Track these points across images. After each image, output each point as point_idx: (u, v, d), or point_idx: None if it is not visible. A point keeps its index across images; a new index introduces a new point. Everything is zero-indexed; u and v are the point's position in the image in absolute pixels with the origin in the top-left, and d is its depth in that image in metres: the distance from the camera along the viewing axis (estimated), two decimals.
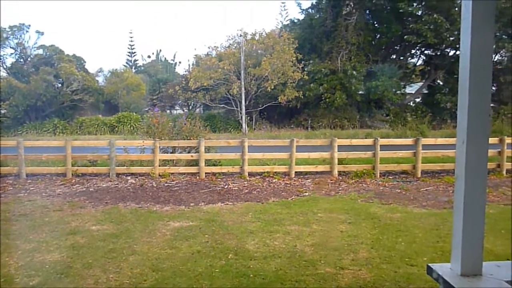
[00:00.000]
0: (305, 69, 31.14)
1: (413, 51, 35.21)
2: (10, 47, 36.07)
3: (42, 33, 37.08)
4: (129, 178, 12.73)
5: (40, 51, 36.61)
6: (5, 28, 35.31)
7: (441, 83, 34.58)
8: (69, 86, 34.48)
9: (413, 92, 36.49)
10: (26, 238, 7.11)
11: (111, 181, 12.38)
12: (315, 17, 34.75)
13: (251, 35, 32.05)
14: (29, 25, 36.30)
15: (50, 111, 34.43)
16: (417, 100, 36.19)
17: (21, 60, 36.85)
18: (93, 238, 7.12)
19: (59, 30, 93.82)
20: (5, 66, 36.47)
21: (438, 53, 32.79)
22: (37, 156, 13.67)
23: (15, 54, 36.70)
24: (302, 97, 30.54)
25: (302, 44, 31.84)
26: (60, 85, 35.14)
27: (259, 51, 31.75)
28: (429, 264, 1.88)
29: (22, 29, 35.90)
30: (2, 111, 34.14)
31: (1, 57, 36.21)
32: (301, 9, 36.75)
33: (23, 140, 13.88)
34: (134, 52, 71.40)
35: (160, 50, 66.92)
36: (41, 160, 13.81)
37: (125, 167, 13.23)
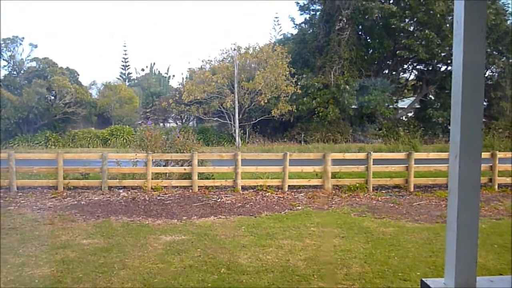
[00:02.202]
0: (298, 83, 31.29)
1: (405, 66, 35.55)
2: (3, 59, 35.96)
3: (36, 46, 37.01)
4: (121, 191, 12.64)
5: (33, 64, 36.51)
6: None
7: (432, 98, 34.86)
8: (62, 98, 34.36)
9: (405, 106, 36.76)
10: (16, 252, 7.02)
11: (103, 194, 12.29)
12: (308, 32, 35.05)
13: (244, 49, 32.24)
14: (23, 38, 36.26)
15: (42, 123, 34.24)
16: (409, 114, 36.43)
17: (14, 72, 36.71)
18: (84, 252, 7.04)
19: (53, 42, 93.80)
20: None
21: (430, 68, 33.14)
22: (29, 169, 13.56)
23: (8, 67, 36.58)
24: (295, 111, 30.63)
25: (295, 59, 32.05)
26: (52, 97, 35.01)
27: (252, 65, 31.90)
28: (423, 279, 1.87)
29: (15, 42, 35.83)
30: None
31: None
32: (294, 24, 37.07)
33: (15, 152, 13.77)
34: (128, 65, 71.48)
35: (154, 63, 67.01)
36: (32, 173, 13.69)
37: (117, 180, 13.14)
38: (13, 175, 12.75)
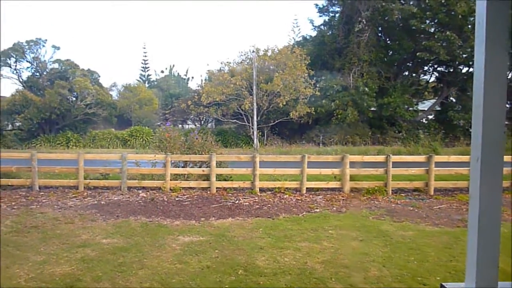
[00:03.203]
0: (317, 85, 31.17)
1: (425, 68, 35.07)
2: (27, 61, 36.72)
3: (58, 48, 37.69)
4: (140, 192, 12.77)
5: (56, 65, 37.18)
6: (22, 43, 36.01)
7: (454, 100, 34.36)
8: (83, 100, 34.91)
9: (425, 109, 36.28)
10: (37, 250, 7.15)
11: (122, 194, 12.43)
12: (327, 33, 34.91)
13: (263, 51, 32.26)
14: (46, 40, 36.97)
15: (64, 124, 34.82)
16: (430, 117, 35.95)
17: (37, 74, 37.43)
18: (103, 251, 7.13)
19: (75, 44, 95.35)
20: (21, 80, 37.07)
21: (451, 70, 32.63)
22: (50, 169, 13.80)
23: (31, 68, 37.33)
24: (313, 113, 30.52)
25: (314, 61, 31.93)
26: (74, 98, 35.59)
27: (271, 67, 31.88)
28: (443, 283, 1.85)
29: (38, 44, 36.55)
30: (17, 124, 34.64)
31: (18, 71, 36.86)
32: (313, 26, 37.12)
33: (37, 152, 14.02)
34: (148, 67, 72.21)
35: (173, 65, 67.48)
36: (54, 173, 13.94)
37: (137, 180, 13.28)
38: (35, 174, 12.99)
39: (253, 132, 30.85)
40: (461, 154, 17.15)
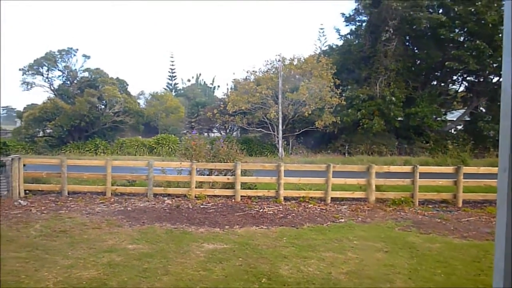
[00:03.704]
0: (343, 94, 31.03)
1: (454, 78, 34.46)
2: (58, 70, 37.75)
3: (89, 57, 38.67)
4: (165, 198, 12.91)
5: (86, 74, 38.10)
6: (54, 52, 37.05)
7: (483, 110, 33.62)
8: (111, 108, 35.61)
9: (454, 119, 35.61)
10: (65, 254, 7.30)
11: (148, 201, 12.59)
12: (354, 42, 34.74)
13: (289, 60, 32.30)
14: (77, 49, 37.99)
15: (93, 131, 35.56)
16: (459, 127, 35.25)
17: (68, 82, 38.42)
18: (129, 256, 7.23)
19: (105, 54, 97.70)
20: (52, 88, 38.10)
21: (481, 80, 31.97)
22: (79, 175, 14.10)
23: (62, 77, 38.36)
24: (339, 122, 30.35)
25: (340, 70, 31.80)
26: (103, 106, 36.35)
27: (297, 76, 31.89)
28: None
29: (70, 53, 37.56)
30: (48, 131, 35.53)
31: (49, 79, 37.91)
32: (339, 35, 36.89)
33: (66, 159, 14.35)
34: (175, 76, 73.30)
35: (200, 74, 68.43)
36: (82, 179, 14.24)
37: (162, 188, 13.44)
38: (65, 180, 13.30)
39: (278, 141, 30.84)
40: (491, 166, 16.74)
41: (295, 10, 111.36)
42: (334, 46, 38.25)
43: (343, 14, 35.06)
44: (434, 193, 13.07)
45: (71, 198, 12.80)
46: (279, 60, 31.54)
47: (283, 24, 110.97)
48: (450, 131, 34.06)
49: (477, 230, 9.63)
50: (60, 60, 37.24)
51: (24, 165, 13.41)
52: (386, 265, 6.96)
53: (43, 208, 11.46)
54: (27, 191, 13.24)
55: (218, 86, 65.39)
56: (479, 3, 27.34)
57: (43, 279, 6.13)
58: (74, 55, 37.81)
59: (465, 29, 29.52)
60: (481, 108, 33.84)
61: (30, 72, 36.74)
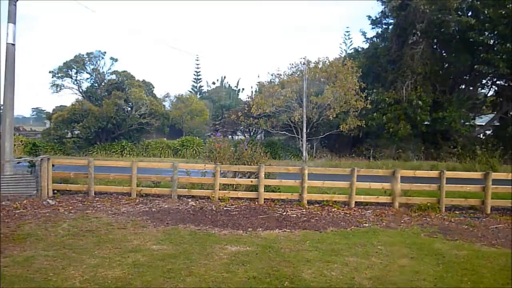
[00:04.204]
0: (368, 98, 30.74)
1: (483, 81, 33.76)
2: (87, 72, 38.58)
3: (116, 60, 39.40)
4: (189, 200, 13.01)
5: (113, 77, 38.82)
6: (83, 55, 37.88)
7: None
8: (137, 110, 36.16)
9: (483, 124, 34.86)
10: (91, 254, 7.44)
11: (172, 202, 12.71)
12: (380, 46, 34.42)
13: (314, 63, 32.21)
14: (105, 52, 38.78)
15: (119, 133, 36.18)
16: (488, 132, 34.47)
17: (96, 84, 39.23)
18: (153, 257, 7.31)
19: (132, 56, 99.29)
20: (81, 90, 38.94)
21: (511, 84, 31.21)
22: (105, 176, 14.33)
23: (91, 79, 39.20)
24: (364, 126, 30.09)
25: (365, 73, 31.54)
26: (129, 108, 36.97)
27: (321, 79, 31.77)
28: None
29: (98, 56, 38.37)
30: (76, 132, 36.34)
31: (78, 82, 38.76)
32: (365, 38, 36.60)
33: (93, 159, 14.62)
34: (200, 78, 74.06)
35: (225, 77, 68.80)
36: (108, 179, 14.47)
37: (186, 189, 13.55)
38: (92, 181, 13.55)
39: (302, 144, 30.76)
40: None
41: (321, 13, 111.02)
42: (359, 49, 37.99)
43: (369, 16, 34.84)
44: (461, 199, 12.78)
45: (97, 198, 13.03)
46: (304, 63, 31.49)
47: (308, 27, 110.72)
48: (478, 136, 33.36)
49: (506, 238, 9.38)
50: (88, 62, 38.08)
51: (53, 165, 13.72)
52: (411, 271, 6.84)
53: (70, 207, 11.70)
54: (55, 191, 13.53)
55: (243, 89, 65.81)
56: (510, 5, 26.70)
57: (70, 277, 6.26)
58: (102, 58, 38.64)
59: (496, 32, 28.83)
60: (511, 113, 33.02)
61: (59, 74, 37.66)
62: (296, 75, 32.35)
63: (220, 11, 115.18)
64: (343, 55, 39.05)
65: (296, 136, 31.50)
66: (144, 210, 11.54)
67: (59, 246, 7.89)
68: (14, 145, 17.74)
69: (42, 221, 10.05)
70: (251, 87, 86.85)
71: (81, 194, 13.59)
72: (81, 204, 12.21)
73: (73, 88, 38.79)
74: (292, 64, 33.29)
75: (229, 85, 67.36)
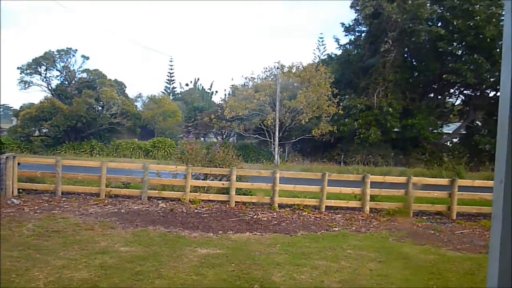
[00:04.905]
0: (341, 103, 31.13)
1: (451, 91, 34.68)
2: (57, 70, 37.71)
3: (88, 58, 38.65)
4: (160, 202, 12.86)
5: (84, 75, 38.10)
6: (53, 52, 37.02)
7: (480, 124, 33.79)
8: (109, 109, 35.60)
9: (450, 132, 35.77)
10: (57, 255, 7.25)
11: (142, 204, 12.54)
12: (353, 52, 34.91)
13: (288, 67, 32.42)
14: (76, 50, 37.99)
15: (89, 132, 35.51)
16: (455, 140, 35.38)
17: (66, 82, 38.38)
18: (121, 259, 7.18)
19: (104, 55, 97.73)
20: (50, 88, 38.04)
21: (478, 94, 32.19)
22: (74, 175, 14.02)
23: (61, 77, 38.33)
24: (336, 131, 30.43)
25: (338, 79, 31.94)
26: (100, 108, 36.35)
27: (295, 84, 32.00)
28: None
29: (69, 53, 37.57)
30: (44, 130, 35.47)
31: (47, 79, 37.86)
32: (338, 44, 36.99)
33: (62, 159, 14.29)
34: (173, 80, 73.37)
35: (198, 79, 68.40)
36: (77, 179, 14.16)
37: (157, 191, 13.40)
38: (59, 180, 13.23)
39: (274, 148, 30.87)
40: (486, 179, 16.78)
41: (295, 18, 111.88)
42: (333, 56, 38.42)
43: (342, 24, 35.27)
44: (428, 204, 13.07)
45: (64, 199, 12.73)
46: (277, 68, 31.67)
47: (283, 31, 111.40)
48: (446, 143, 34.20)
49: (471, 243, 9.64)
50: (59, 60, 37.26)
51: (18, 163, 13.34)
52: (379, 275, 6.94)
53: (36, 207, 11.39)
54: (20, 190, 13.14)
55: (216, 92, 65.49)
56: (478, 17, 27.54)
57: (34, 279, 6.08)
58: (73, 55, 37.87)
59: (464, 43, 29.73)
60: (477, 122, 34.03)
61: (28, 71, 36.71)
62: (270, 79, 32.50)
63: (194, 12, 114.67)
64: (316, 61, 39.37)
65: (268, 140, 31.60)
66: (113, 211, 11.34)
67: (23, 246, 7.66)
68: None
69: (6, 221, 9.74)
70: (225, 90, 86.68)
71: (47, 193, 13.23)
72: (47, 204, 11.90)
73: (42, 85, 37.89)
74: (266, 68, 33.49)
75: (202, 87, 67.03)
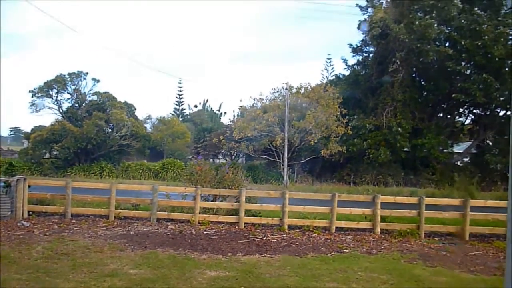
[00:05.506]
0: (349, 124, 31.08)
1: (461, 110, 34.50)
2: (68, 93, 38.13)
3: (98, 81, 38.99)
4: (169, 223, 12.82)
5: (95, 97, 38.44)
6: (64, 75, 37.52)
7: (490, 143, 33.51)
8: (118, 131, 35.81)
9: (461, 151, 35.47)
10: (66, 277, 7.23)
11: (151, 225, 12.51)
12: (361, 73, 35.02)
13: (296, 88, 32.54)
14: (87, 73, 38.43)
15: (99, 154, 35.70)
16: (465, 159, 35.06)
17: (76, 105, 38.76)
18: (130, 281, 7.14)
19: (114, 78, 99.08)
20: (61, 110, 38.43)
21: (488, 113, 31.99)
22: (83, 197, 14.05)
23: (71, 100, 38.69)
24: (345, 151, 30.32)
25: (347, 99, 31.95)
26: (110, 130, 36.57)
27: (303, 105, 32.04)
28: None
29: (80, 76, 38.01)
30: (54, 152, 35.69)
31: (58, 102, 38.28)
32: (346, 65, 37.11)
33: (72, 181, 14.35)
34: (182, 101, 73.96)
35: (207, 100, 68.87)
36: (86, 201, 14.19)
37: (166, 212, 13.37)
38: (69, 202, 13.27)
39: (283, 169, 30.77)
40: (498, 199, 16.53)
41: (303, 39, 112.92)
42: (341, 76, 38.51)
43: (350, 44, 35.45)
44: (440, 225, 12.90)
45: (74, 221, 12.74)
46: (286, 88, 31.81)
47: (291, 53, 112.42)
48: (456, 163, 33.89)
49: (485, 265, 9.46)
50: (69, 83, 37.68)
51: (29, 186, 13.42)
52: None
53: (46, 230, 11.41)
54: (30, 212, 13.20)
55: (225, 113, 65.74)
56: (486, 37, 27.57)
57: None
58: (84, 78, 38.26)
59: (472, 62, 29.70)
60: (487, 141, 33.72)
61: (39, 94, 37.13)
62: (278, 100, 32.60)
63: (204, 35, 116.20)
64: (324, 82, 39.52)
65: (277, 160, 31.53)
66: (122, 233, 11.32)
67: (32, 269, 7.65)
68: None
69: (15, 243, 9.77)
70: (233, 111, 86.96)
71: (57, 216, 13.27)
72: (57, 226, 11.92)
73: (53, 108, 38.23)
74: (275, 89, 33.56)
75: (211, 108, 67.42)
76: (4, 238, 10.28)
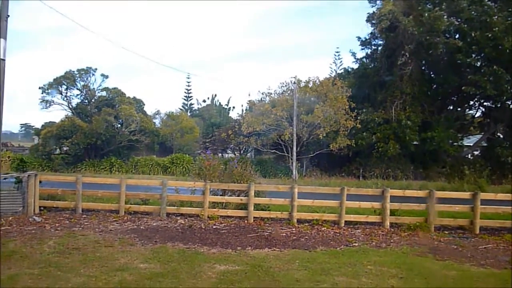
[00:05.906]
0: (358, 117, 30.95)
1: (471, 103, 34.18)
2: (77, 89, 38.42)
3: (107, 76, 39.28)
4: (178, 218, 12.88)
5: (104, 93, 38.73)
6: (73, 71, 37.78)
7: (501, 136, 33.19)
8: (127, 127, 36.02)
9: (471, 144, 35.19)
10: (77, 272, 7.31)
11: (161, 220, 12.58)
12: (370, 66, 34.84)
13: (304, 82, 32.42)
14: (96, 69, 38.71)
15: (109, 149, 35.95)
16: (476, 152, 34.79)
17: (86, 101, 39.05)
18: (141, 276, 7.20)
19: (123, 73, 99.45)
20: (70, 106, 38.72)
21: (498, 105, 31.63)
22: (93, 192, 14.16)
23: (81, 96, 39.02)
24: (354, 145, 30.22)
25: (355, 93, 31.80)
26: (119, 125, 36.81)
27: (312, 99, 31.94)
28: None
29: (89, 72, 38.28)
30: (65, 148, 36.02)
31: (68, 98, 38.58)
32: (355, 58, 36.93)
33: (82, 176, 14.46)
34: (191, 96, 74.09)
35: (215, 95, 68.85)
36: (96, 197, 14.32)
37: (176, 207, 13.42)
38: (79, 197, 13.38)
39: (292, 163, 30.76)
40: (509, 192, 16.39)
41: (311, 33, 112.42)
42: (349, 69, 38.36)
43: (359, 37, 35.31)
44: (450, 219, 12.80)
45: (85, 216, 12.85)
46: (294, 83, 31.71)
47: (299, 46, 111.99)
48: (466, 156, 33.63)
49: (495, 258, 9.40)
50: (79, 79, 37.98)
51: (40, 181, 13.55)
52: None
53: (57, 225, 11.53)
54: (42, 208, 13.33)
55: (233, 107, 65.65)
56: (497, 28, 27.25)
57: None
58: (93, 74, 38.56)
59: (482, 54, 29.39)
60: (498, 134, 33.41)
61: (49, 90, 37.46)
62: (287, 94, 32.53)
63: (211, 30, 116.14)
64: (333, 75, 39.34)
65: (286, 154, 31.51)
66: (132, 228, 11.40)
67: (44, 264, 7.74)
68: (1, 161, 17.51)
69: (27, 238, 9.88)
70: (242, 106, 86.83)
71: (68, 211, 13.39)
72: (68, 221, 12.03)
73: (62, 104, 38.59)
74: (283, 83, 33.46)
75: (219, 103, 67.37)
76: (16, 233, 10.41)
